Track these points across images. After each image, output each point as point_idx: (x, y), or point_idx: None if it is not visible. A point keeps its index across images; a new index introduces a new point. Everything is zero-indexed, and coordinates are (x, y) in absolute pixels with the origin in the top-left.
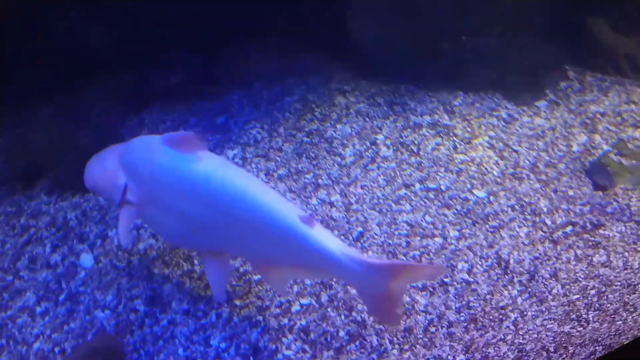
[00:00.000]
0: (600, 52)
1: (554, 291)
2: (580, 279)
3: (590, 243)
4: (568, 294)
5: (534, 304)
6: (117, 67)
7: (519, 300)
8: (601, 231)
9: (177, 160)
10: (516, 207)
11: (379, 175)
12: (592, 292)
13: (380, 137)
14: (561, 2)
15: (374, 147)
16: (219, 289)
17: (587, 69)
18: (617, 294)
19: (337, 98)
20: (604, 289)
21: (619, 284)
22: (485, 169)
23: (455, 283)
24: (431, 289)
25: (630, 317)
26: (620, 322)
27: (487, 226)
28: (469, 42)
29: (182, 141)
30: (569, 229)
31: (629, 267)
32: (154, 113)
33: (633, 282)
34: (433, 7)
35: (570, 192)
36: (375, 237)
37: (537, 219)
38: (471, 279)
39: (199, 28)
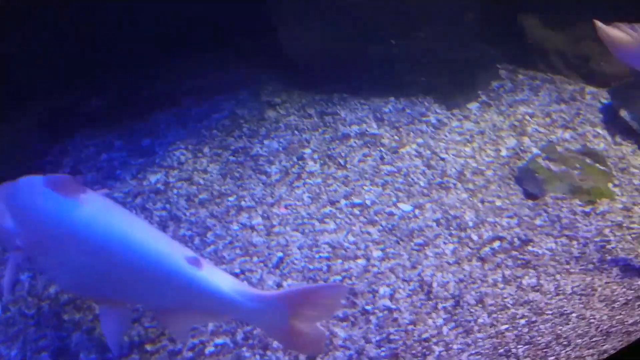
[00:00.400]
0: (532, 49)
1: (480, 320)
2: (508, 305)
3: (519, 262)
4: (496, 323)
5: (460, 335)
6: (42, 93)
7: (445, 330)
8: (530, 248)
9: (59, 204)
10: (442, 221)
11: (304, 193)
12: (522, 321)
13: (307, 151)
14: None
15: (300, 162)
16: (114, 341)
17: (520, 66)
18: (549, 324)
19: (267, 112)
20: (534, 319)
21: (551, 312)
22: (412, 179)
23: (377, 311)
24: (352, 319)
25: (564, 351)
26: (553, 358)
27: (412, 244)
28: (399, 45)
29: (62, 184)
30: (496, 244)
31: (560, 292)
32: (78, 139)
33: (565, 310)
34: (361, 12)
35: (498, 202)
36: (296, 262)
37: (463, 234)
38: (393, 306)
39: (126, 47)
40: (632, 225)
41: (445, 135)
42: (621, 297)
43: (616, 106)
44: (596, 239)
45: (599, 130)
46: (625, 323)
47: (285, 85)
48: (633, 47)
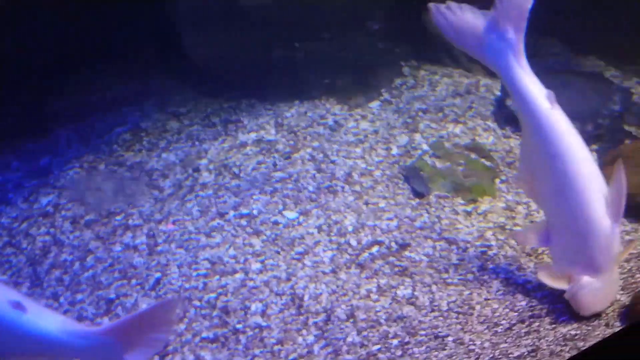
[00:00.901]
0: (436, 45)
1: (350, 339)
2: (381, 321)
3: (396, 269)
4: (367, 343)
5: (329, 356)
6: None
7: (316, 349)
8: (407, 253)
9: None
10: (324, 227)
11: (195, 206)
12: (395, 342)
13: (204, 162)
14: None
15: (195, 174)
16: None
17: (427, 62)
18: (423, 348)
19: (170, 123)
20: (407, 339)
21: (425, 333)
22: (302, 185)
23: (248, 329)
24: (223, 340)
25: None
26: None
27: (292, 253)
28: (302, 47)
29: None
30: (375, 249)
31: (436, 307)
32: None
33: (441, 332)
34: (265, 15)
35: (382, 204)
36: (173, 282)
37: (342, 240)
38: (264, 323)
39: (29, 60)
40: (514, 228)
41: (341, 137)
42: (504, 319)
43: (504, 96)
44: (477, 243)
45: (489, 123)
46: (510, 356)
47: (194, 94)
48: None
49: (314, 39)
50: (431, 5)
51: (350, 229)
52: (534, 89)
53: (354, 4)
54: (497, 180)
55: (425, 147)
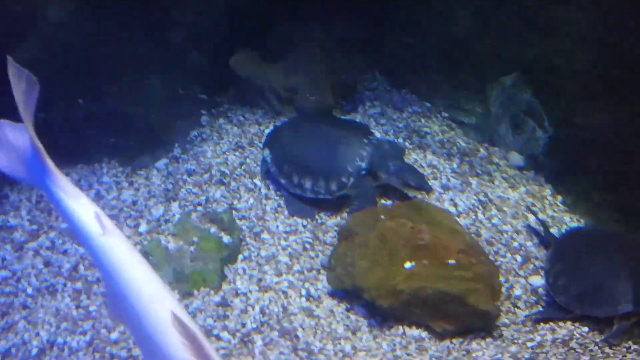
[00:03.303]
0: (248, 87)
1: None
2: None
3: None
4: None
5: None
6: None
7: None
8: None
9: None
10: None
11: None
12: None
13: None
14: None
15: None
16: None
17: (235, 106)
18: None
19: None
20: None
21: None
22: (22, 286)
23: None
24: None
25: None
26: None
27: None
28: (86, 104)
29: None
30: None
31: None
32: None
33: None
34: (40, 71)
35: (93, 307)
36: None
37: None
38: None
39: None
40: (222, 334)
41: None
42: None
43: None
44: None
45: (256, 181)
46: None
47: None
48: None
49: (100, 93)
50: None
51: (34, 352)
52: (81, 215)
53: (160, 50)
54: (240, 257)
55: (176, 219)
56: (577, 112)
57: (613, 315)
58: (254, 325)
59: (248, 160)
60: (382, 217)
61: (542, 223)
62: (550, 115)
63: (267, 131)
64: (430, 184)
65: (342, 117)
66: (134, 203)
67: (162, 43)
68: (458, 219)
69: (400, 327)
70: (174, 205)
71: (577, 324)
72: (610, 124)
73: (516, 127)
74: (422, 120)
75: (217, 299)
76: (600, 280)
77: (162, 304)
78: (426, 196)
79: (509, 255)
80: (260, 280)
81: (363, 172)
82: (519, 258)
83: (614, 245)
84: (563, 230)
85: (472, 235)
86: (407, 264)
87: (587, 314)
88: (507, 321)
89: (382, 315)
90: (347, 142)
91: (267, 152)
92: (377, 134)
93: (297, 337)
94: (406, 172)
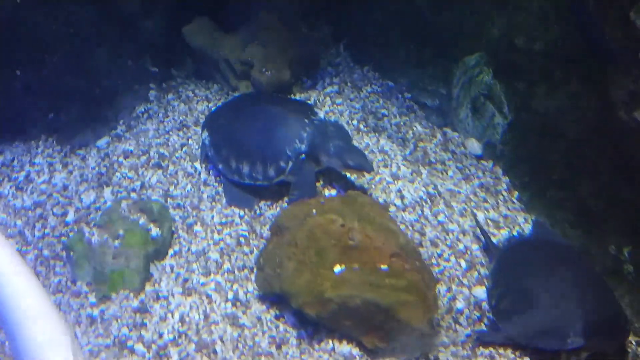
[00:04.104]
0: (202, 59)
1: None
2: None
3: None
4: None
5: None
6: None
7: None
8: None
9: None
10: None
11: None
12: None
13: None
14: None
15: None
16: None
17: (187, 80)
18: None
19: None
20: None
21: None
22: None
23: None
24: None
25: None
26: None
27: None
28: (24, 75)
29: None
30: None
31: None
32: None
33: None
34: None
35: None
36: None
37: None
38: None
39: None
40: (136, 346)
41: (15, 201)
42: None
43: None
44: None
45: (197, 164)
46: None
47: None
48: None
49: (40, 65)
50: None
51: None
52: None
53: (103, 12)
54: (168, 255)
55: (107, 207)
56: (536, 96)
57: (561, 349)
58: (171, 337)
59: (190, 142)
60: (314, 211)
61: (483, 231)
62: (510, 100)
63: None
64: (378, 170)
65: (301, 94)
66: (65, 188)
67: (113, 11)
68: (403, 214)
69: (331, 342)
70: (107, 192)
71: (519, 352)
72: (568, 110)
73: (476, 112)
74: (381, 100)
75: (135, 303)
76: (547, 307)
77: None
78: (373, 185)
79: (452, 259)
80: (186, 281)
81: (303, 155)
82: (463, 263)
83: (562, 264)
84: (515, 232)
85: (416, 233)
86: (337, 268)
87: (532, 347)
88: (446, 340)
89: (313, 325)
90: (286, 124)
91: (205, 134)
92: (332, 116)
93: (215, 352)
94: (346, 152)
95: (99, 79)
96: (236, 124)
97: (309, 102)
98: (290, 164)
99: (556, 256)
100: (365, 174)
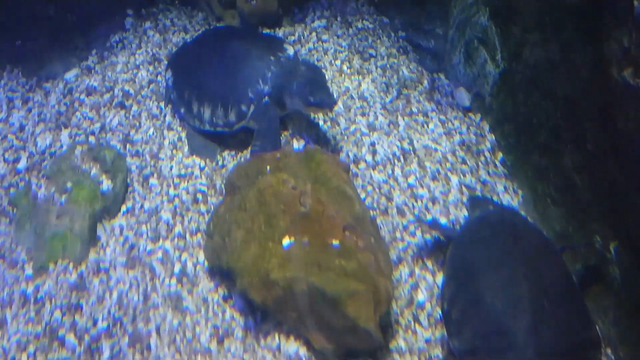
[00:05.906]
0: None
1: None
2: None
3: None
4: None
5: None
6: None
7: None
8: None
9: None
10: None
11: None
12: None
13: None
14: None
15: None
16: None
17: (171, 7)
18: None
19: None
20: None
21: None
22: None
23: None
24: None
25: None
26: None
27: None
28: None
29: None
30: None
31: None
32: None
33: None
34: None
35: None
36: None
37: None
38: None
39: None
40: (67, 337)
41: None
42: None
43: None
44: None
45: (163, 106)
46: None
47: None
48: None
49: None
50: None
51: None
52: None
53: None
54: (112, 220)
55: (61, 152)
56: (528, 43)
57: None
58: (105, 325)
59: (159, 78)
60: (268, 168)
61: (434, 223)
62: (503, 46)
63: None
64: (355, 119)
65: (291, 28)
66: (21, 129)
67: None
68: (372, 172)
69: (277, 338)
70: (64, 134)
71: None
72: (560, 62)
73: (469, 57)
74: (371, 39)
75: (74, 278)
76: (500, 317)
77: None
78: (345, 137)
79: (418, 233)
80: (132, 247)
81: (266, 98)
82: (429, 239)
83: (525, 258)
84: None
85: (382, 197)
86: (286, 241)
87: None
88: (402, 345)
89: (262, 312)
90: (250, 63)
91: (169, 73)
92: (315, 54)
93: (148, 348)
94: (308, 87)
95: (73, 3)
96: (200, 63)
97: (292, 37)
98: (252, 107)
99: (520, 247)
100: (328, 112)
